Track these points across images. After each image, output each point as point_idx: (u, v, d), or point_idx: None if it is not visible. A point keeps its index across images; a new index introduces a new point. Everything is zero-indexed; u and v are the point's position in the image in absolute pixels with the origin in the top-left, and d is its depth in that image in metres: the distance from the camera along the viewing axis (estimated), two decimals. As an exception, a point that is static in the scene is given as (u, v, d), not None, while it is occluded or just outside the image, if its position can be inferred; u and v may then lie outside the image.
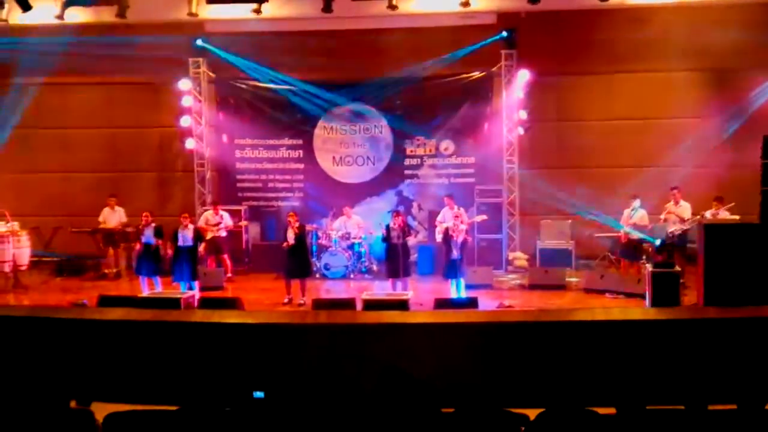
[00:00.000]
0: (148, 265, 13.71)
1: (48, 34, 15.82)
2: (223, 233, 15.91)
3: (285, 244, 13.37)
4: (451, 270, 13.13)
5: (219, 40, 16.89)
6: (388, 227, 13.44)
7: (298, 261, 13.45)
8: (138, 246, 14.04)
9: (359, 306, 10.87)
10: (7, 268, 15.02)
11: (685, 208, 14.21)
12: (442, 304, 11.07)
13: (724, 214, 13.46)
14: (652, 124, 16.60)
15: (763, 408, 4.80)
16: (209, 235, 15.64)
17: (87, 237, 16.46)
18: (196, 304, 11.91)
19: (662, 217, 14.34)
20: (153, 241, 13.67)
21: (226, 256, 15.90)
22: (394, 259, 13.20)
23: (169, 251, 13.68)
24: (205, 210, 16.43)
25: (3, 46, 15.78)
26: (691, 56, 16.29)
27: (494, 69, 16.73)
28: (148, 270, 13.71)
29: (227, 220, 15.99)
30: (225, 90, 17.66)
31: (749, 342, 4.88)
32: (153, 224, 13.82)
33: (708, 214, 13.61)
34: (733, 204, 13.64)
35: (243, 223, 16.99)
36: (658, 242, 13.27)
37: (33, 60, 16.90)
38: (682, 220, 14.04)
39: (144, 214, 14.01)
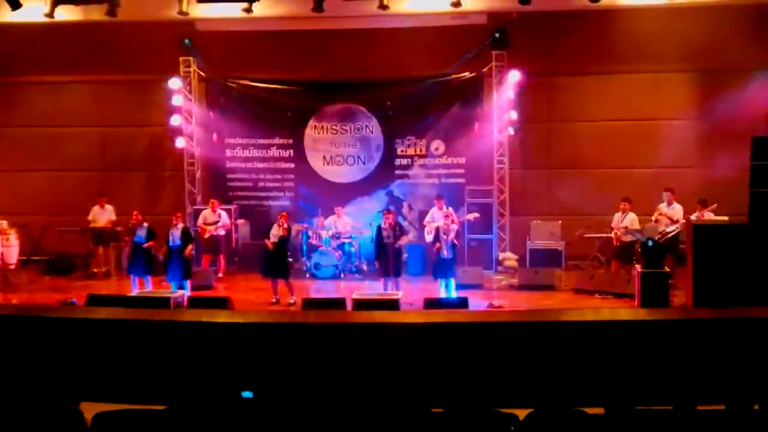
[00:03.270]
0: (139, 264, 13.67)
1: (37, 32, 15.81)
2: (222, 232, 15.87)
3: (269, 243, 13.33)
4: (441, 270, 13.14)
5: (209, 38, 16.85)
6: (379, 227, 13.45)
7: (275, 261, 13.41)
8: (128, 245, 13.99)
9: (349, 306, 10.87)
10: (-5, 267, 14.97)
11: (677, 210, 14.23)
12: (432, 304, 11.08)
13: (709, 216, 13.51)
14: (643, 125, 16.63)
15: (752, 408, 4.82)
16: (207, 234, 15.60)
17: (76, 236, 16.41)
18: (185, 303, 11.89)
19: (653, 218, 14.37)
20: (144, 240, 13.62)
21: (222, 256, 15.86)
22: (385, 258, 13.20)
23: (161, 252, 13.69)
24: (203, 209, 16.35)
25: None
26: (682, 57, 16.33)
27: (485, 69, 16.74)
28: (139, 269, 13.67)
29: (225, 219, 15.95)
30: (215, 89, 17.63)
31: (738, 342, 4.90)
32: (145, 224, 13.77)
33: (693, 217, 13.65)
34: (715, 205, 13.69)
35: (240, 221, 16.97)
36: (650, 243, 13.27)
37: (22, 58, 16.90)
38: (673, 222, 14.08)
39: (134, 213, 13.95)
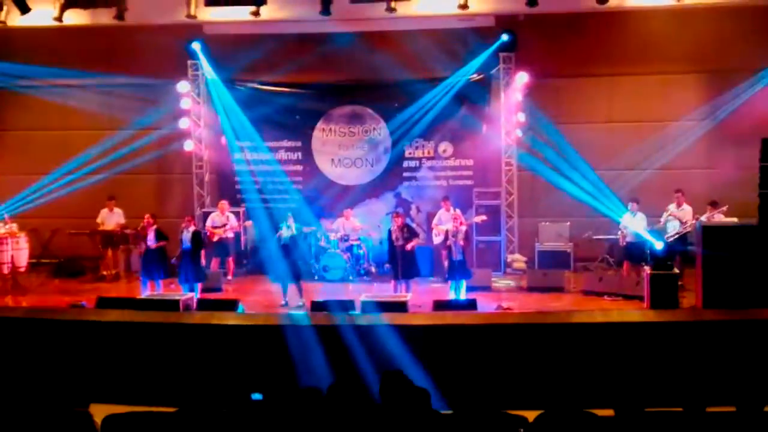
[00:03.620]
0: (152, 267, 13.69)
1: (46, 35, 15.88)
2: (230, 234, 15.87)
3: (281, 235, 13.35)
4: (454, 272, 13.12)
5: (217, 42, 16.88)
6: (389, 230, 13.44)
7: (290, 264, 13.41)
8: (143, 248, 14.00)
9: (358, 308, 10.86)
10: (5, 270, 15.01)
11: (687, 212, 14.19)
12: (441, 306, 11.07)
13: (719, 217, 13.46)
14: (651, 127, 16.58)
15: (762, 410, 4.81)
16: (216, 237, 15.62)
17: (85, 239, 16.44)
18: (194, 306, 11.90)
19: (662, 219, 14.33)
20: (154, 243, 13.63)
21: (231, 258, 15.87)
22: (395, 260, 13.20)
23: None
24: (212, 211, 16.37)
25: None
26: (690, 58, 16.29)
27: (493, 71, 16.73)
28: (151, 272, 13.70)
29: (233, 222, 15.96)
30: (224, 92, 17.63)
31: (748, 344, 4.89)
32: (155, 226, 13.79)
33: (704, 218, 13.62)
34: (726, 207, 13.65)
35: (248, 223, 16.97)
36: (662, 246, 13.18)
37: (31, 62, 16.98)
38: (683, 223, 14.04)
39: (146, 216, 13.97)
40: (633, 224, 14.18)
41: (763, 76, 15.86)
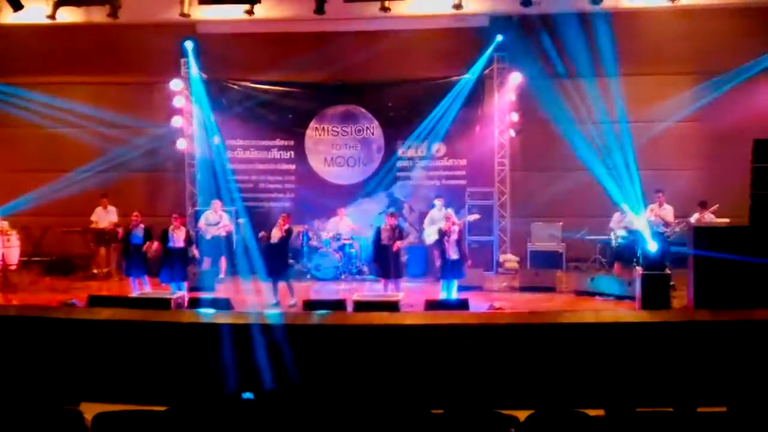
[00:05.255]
0: (137, 265, 13.64)
1: (39, 33, 15.84)
2: (223, 233, 15.84)
3: (261, 234, 13.34)
4: (447, 271, 13.12)
5: (211, 40, 16.86)
6: (378, 229, 13.43)
7: (275, 262, 13.40)
8: (125, 246, 13.94)
9: (350, 307, 10.86)
10: (-4, 268, 14.98)
11: (669, 211, 14.27)
12: (433, 305, 11.07)
13: (710, 217, 13.50)
14: (644, 127, 16.60)
15: (752, 410, 4.82)
16: (209, 235, 15.59)
17: (77, 237, 16.41)
18: (185, 304, 11.87)
19: (650, 217, 14.37)
20: (142, 242, 13.57)
21: (223, 257, 15.83)
22: (385, 260, 13.20)
23: (154, 249, 13.60)
24: (204, 210, 16.35)
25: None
26: (684, 59, 16.33)
27: (486, 71, 16.75)
28: (137, 270, 13.64)
29: (226, 220, 15.94)
30: (216, 90, 17.61)
31: (739, 345, 4.90)
32: (142, 225, 13.73)
33: (693, 219, 13.67)
34: (717, 206, 13.69)
35: (240, 221, 16.94)
36: (655, 247, 13.16)
37: (24, 59, 16.93)
38: (666, 224, 14.09)
39: (134, 214, 13.92)
40: (625, 224, 14.18)
41: (748, 69, 15.86)
